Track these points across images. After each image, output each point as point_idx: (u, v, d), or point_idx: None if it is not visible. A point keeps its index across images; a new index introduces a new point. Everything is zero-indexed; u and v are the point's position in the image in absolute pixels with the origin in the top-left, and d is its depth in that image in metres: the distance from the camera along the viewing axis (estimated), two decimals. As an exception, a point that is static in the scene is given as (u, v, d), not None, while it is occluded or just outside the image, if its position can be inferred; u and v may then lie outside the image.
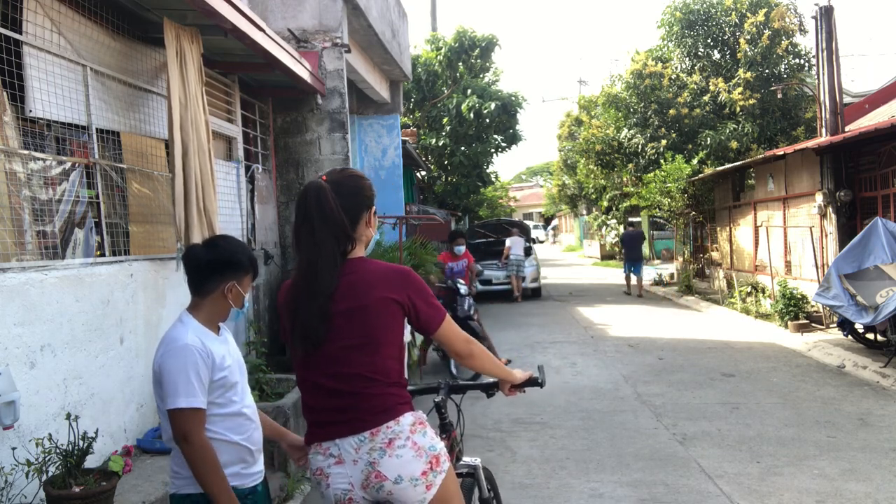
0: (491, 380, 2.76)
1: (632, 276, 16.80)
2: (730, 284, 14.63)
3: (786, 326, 10.50)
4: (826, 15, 11.21)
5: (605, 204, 27.84)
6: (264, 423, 2.65)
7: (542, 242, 49.42)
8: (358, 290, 2.23)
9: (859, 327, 8.54)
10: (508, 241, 16.85)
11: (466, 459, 2.88)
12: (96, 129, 4.55)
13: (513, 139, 22.35)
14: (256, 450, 2.48)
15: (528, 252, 17.56)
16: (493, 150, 21.97)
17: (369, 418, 2.20)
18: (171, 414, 2.28)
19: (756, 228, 13.77)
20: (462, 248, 9.48)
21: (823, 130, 11.38)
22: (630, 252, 16.80)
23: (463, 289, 8.45)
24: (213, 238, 2.57)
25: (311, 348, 2.24)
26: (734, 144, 16.46)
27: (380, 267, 2.30)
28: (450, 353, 2.42)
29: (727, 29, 17.77)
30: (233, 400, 2.42)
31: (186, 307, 2.49)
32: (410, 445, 2.20)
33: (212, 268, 2.44)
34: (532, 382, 2.67)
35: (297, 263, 2.30)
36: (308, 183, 2.31)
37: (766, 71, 17.03)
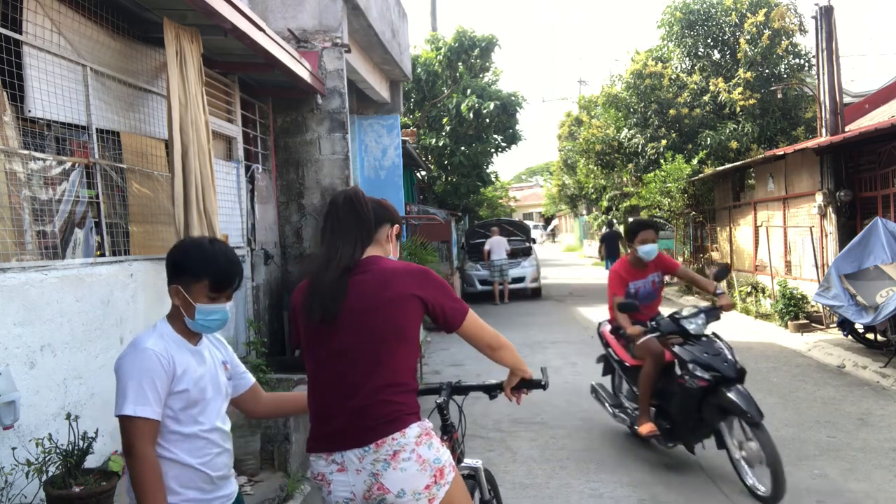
0: (493, 381, 2.77)
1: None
2: (730, 284, 14.63)
3: (786, 326, 10.50)
4: (826, 15, 11.21)
5: (605, 204, 27.83)
6: (288, 401, 2.58)
7: (541, 243, 49.38)
8: (378, 286, 2.23)
9: (859, 327, 8.53)
10: (488, 244, 16.00)
11: (468, 461, 2.88)
12: (96, 129, 4.56)
13: (512, 139, 22.36)
14: (218, 476, 2.27)
15: (527, 252, 17.55)
16: (492, 150, 21.98)
17: (375, 428, 2.16)
18: (119, 421, 2.12)
19: (756, 228, 13.78)
20: (653, 251, 5.41)
21: (823, 130, 11.38)
22: (609, 250, 18.89)
23: (694, 325, 4.87)
24: (183, 240, 2.45)
25: (328, 316, 2.21)
26: (734, 144, 16.46)
27: (399, 265, 2.31)
28: (479, 345, 2.38)
29: (727, 29, 17.77)
30: (198, 420, 2.23)
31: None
32: (415, 458, 2.16)
33: (167, 269, 2.31)
34: (535, 385, 2.67)
35: (320, 251, 2.34)
36: (342, 190, 2.41)
37: (766, 71, 17.04)
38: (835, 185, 10.66)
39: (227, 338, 6.11)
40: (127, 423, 2.11)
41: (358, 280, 2.24)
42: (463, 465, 2.83)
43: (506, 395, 2.67)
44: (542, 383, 2.67)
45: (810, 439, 5.60)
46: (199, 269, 2.26)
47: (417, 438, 2.19)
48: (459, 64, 21.04)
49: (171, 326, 2.29)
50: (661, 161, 16.85)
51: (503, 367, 2.57)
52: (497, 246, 15.77)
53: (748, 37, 17.00)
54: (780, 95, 15.58)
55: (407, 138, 14.71)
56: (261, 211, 7.56)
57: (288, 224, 8.16)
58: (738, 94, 16.60)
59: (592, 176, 24.22)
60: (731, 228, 15.33)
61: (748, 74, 16.68)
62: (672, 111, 17.45)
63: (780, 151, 11.78)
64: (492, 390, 2.76)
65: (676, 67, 18.68)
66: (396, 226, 2.47)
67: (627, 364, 5.48)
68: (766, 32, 16.83)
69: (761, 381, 7.64)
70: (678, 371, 4.94)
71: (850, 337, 8.72)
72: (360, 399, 2.18)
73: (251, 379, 2.51)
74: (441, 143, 20.77)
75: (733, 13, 17.51)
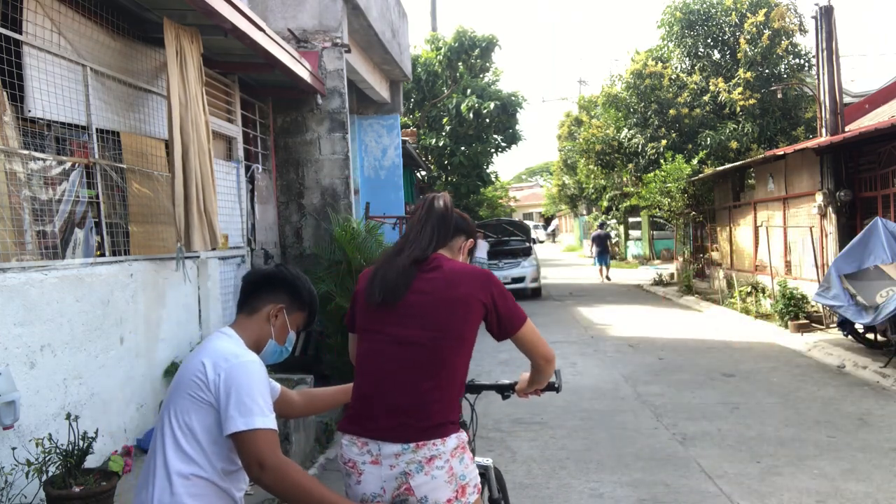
0: (506, 381, 2.80)
1: (603, 267, 21.09)
2: (730, 284, 14.64)
3: (786, 326, 10.50)
4: (826, 15, 11.21)
5: (605, 204, 27.89)
6: (319, 398, 2.58)
7: (541, 243, 49.64)
8: (446, 284, 2.24)
9: (859, 327, 8.53)
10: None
11: (479, 459, 2.89)
12: (96, 129, 4.56)
13: (512, 139, 22.38)
14: (240, 497, 2.19)
15: (527, 252, 17.63)
16: (492, 150, 22.01)
17: (421, 429, 2.15)
18: (243, 437, 1.96)
19: (756, 228, 13.78)
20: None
21: (823, 130, 11.38)
22: (599, 248, 21.17)
23: None
24: (289, 266, 2.43)
25: (389, 301, 2.23)
26: (734, 144, 16.47)
27: (466, 267, 2.35)
28: (534, 354, 2.39)
29: (727, 29, 17.78)
30: None
31: (228, 325, 2.26)
32: (447, 469, 2.16)
33: (267, 282, 2.28)
34: (549, 387, 2.69)
35: (397, 242, 2.42)
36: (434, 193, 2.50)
37: (766, 71, 17.04)
38: (835, 185, 10.66)
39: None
40: (257, 437, 1.96)
41: (426, 276, 2.26)
42: (474, 462, 2.85)
43: (518, 395, 2.70)
44: (556, 386, 2.68)
45: (810, 439, 5.60)
46: (306, 300, 2.32)
47: (454, 450, 2.19)
48: (459, 64, 21.05)
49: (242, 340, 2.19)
50: (661, 161, 16.86)
51: (503, 369, 2.58)
52: (478, 250, 16.47)
53: (748, 37, 17.00)
54: (780, 95, 15.58)
55: (407, 138, 14.71)
56: (261, 211, 7.56)
57: (288, 224, 8.16)
58: (738, 94, 16.60)
59: (592, 176, 24.24)
60: (731, 228, 15.32)
61: (748, 74, 16.68)
62: (672, 111, 17.45)
63: (780, 151, 11.78)
64: (504, 390, 2.78)
65: (676, 67, 18.68)
66: (471, 240, 2.54)
67: None
68: (766, 32, 16.84)
69: (761, 381, 7.64)
70: None
71: (850, 337, 8.72)
72: (412, 395, 2.17)
73: (277, 385, 2.46)
74: (441, 143, 20.77)
75: (733, 13, 17.52)
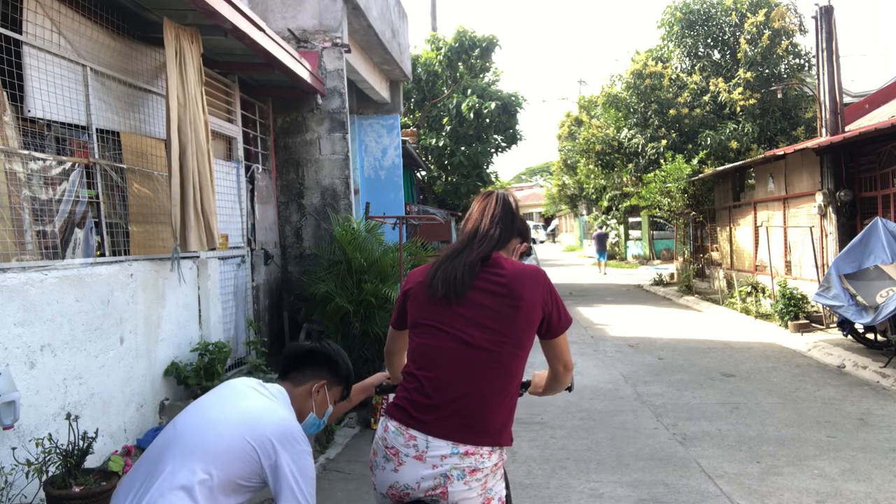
0: (524, 379, 2.79)
1: (601, 261, 24.35)
2: (730, 284, 14.64)
3: (786, 326, 10.50)
4: (826, 15, 11.21)
5: (605, 204, 27.93)
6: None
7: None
8: (514, 287, 2.22)
9: (859, 327, 8.54)
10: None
11: None
12: (96, 129, 4.56)
13: (513, 139, 22.35)
14: None
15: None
16: (493, 150, 21.97)
17: (475, 434, 2.16)
18: None
19: (756, 228, 13.78)
20: None
21: (823, 130, 11.38)
22: (599, 246, 24.78)
23: None
24: (330, 341, 2.51)
25: (453, 297, 2.21)
26: (734, 144, 16.47)
27: (526, 268, 2.31)
28: (557, 363, 2.38)
29: (727, 29, 17.78)
30: None
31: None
32: (482, 483, 2.18)
33: (311, 357, 2.38)
34: None
35: (458, 238, 2.40)
36: (503, 191, 2.54)
37: (766, 71, 17.04)
38: (835, 185, 10.66)
39: (227, 338, 6.12)
40: None
41: (491, 275, 2.24)
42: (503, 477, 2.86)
43: (530, 393, 2.73)
44: (569, 385, 2.69)
45: (810, 439, 5.60)
46: (344, 375, 2.42)
47: (493, 466, 2.22)
48: (460, 64, 21.03)
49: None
50: (661, 161, 16.87)
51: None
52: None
53: (748, 37, 17.01)
54: (780, 95, 15.59)
55: (407, 138, 14.70)
56: (261, 211, 7.56)
57: (288, 224, 8.16)
58: (738, 94, 16.60)
59: (592, 176, 24.34)
60: (731, 228, 15.33)
61: (748, 74, 16.68)
62: (672, 111, 17.46)
63: (780, 151, 11.78)
64: (520, 388, 2.79)
65: (676, 67, 18.69)
66: (525, 244, 2.54)
67: None
68: (766, 32, 16.85)
69: (761, 381, 7.64)
70: None
71: (850, 337, 8.73)
72: (474, 397, 2.17)
73: None
74: (441, 143, 20.75)
75: (733, 13, 17.52)
